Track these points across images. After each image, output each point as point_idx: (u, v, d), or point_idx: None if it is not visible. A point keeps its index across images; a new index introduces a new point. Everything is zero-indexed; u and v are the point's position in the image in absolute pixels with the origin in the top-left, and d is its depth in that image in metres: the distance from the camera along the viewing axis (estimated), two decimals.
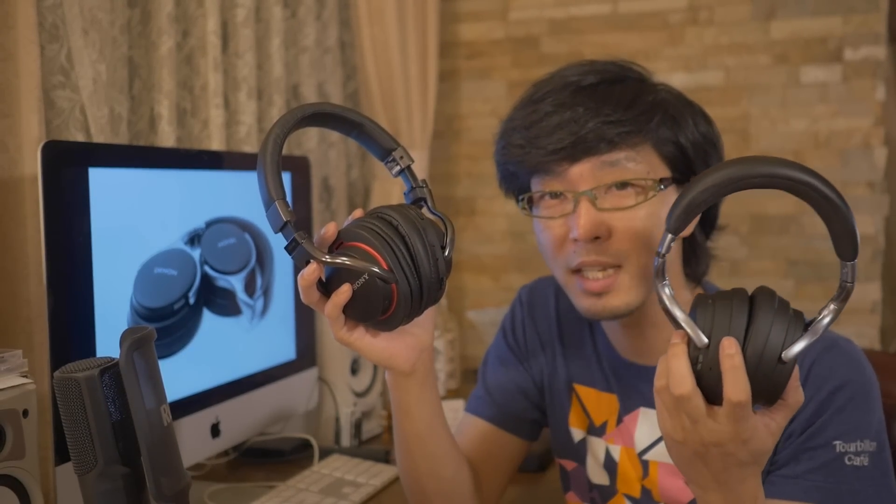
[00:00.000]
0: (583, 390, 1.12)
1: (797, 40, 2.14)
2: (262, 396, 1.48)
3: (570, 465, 1.15)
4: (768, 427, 0.76)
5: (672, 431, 0.78)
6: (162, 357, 1.23)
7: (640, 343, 1.05)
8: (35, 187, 1.07)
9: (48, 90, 1.29)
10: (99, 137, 1.34)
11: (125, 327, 0.74)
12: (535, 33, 2.37)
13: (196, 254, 1.31)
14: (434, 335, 0.94)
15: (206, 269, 1.33)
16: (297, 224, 0.79)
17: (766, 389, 0.75)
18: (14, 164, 1.23)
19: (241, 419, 1.42)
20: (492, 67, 2.42)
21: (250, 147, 1.76)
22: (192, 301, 1.30)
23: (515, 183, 1.05)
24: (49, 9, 1.28)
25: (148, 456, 0.72)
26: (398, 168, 0.88)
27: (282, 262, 1.51)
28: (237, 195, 1.40)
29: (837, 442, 0.91)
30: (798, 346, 0.73)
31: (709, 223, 1.07)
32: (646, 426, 1.05)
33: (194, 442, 1.31)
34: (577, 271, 0.98)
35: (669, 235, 0.78)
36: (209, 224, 1.34)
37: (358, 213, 0.85)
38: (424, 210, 0.86)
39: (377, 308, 0.80)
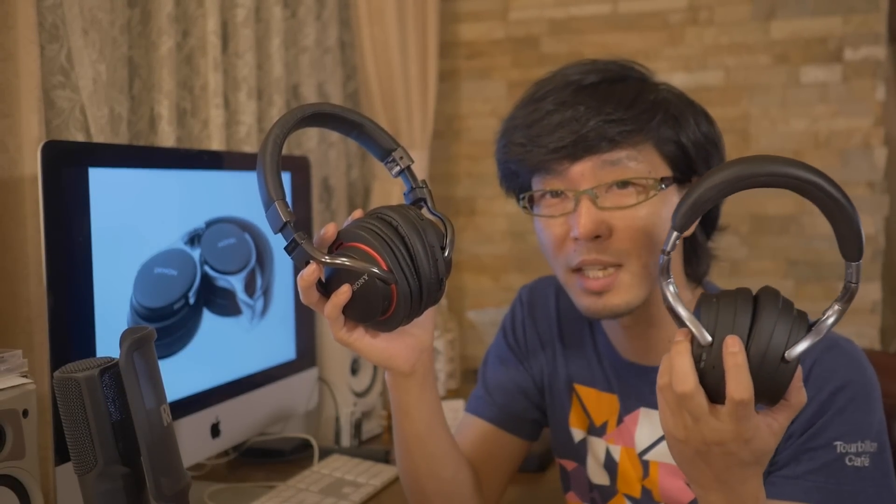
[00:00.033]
0: (583, 390, 1.12)
1: (797, 40, 2.14)
2: (262, 396, 1.48)
3: (570, 465, 1.15)
4: (770, 427, 0.76)
5: (674, 430, 0.78)
6: (162, 357, 1.23)
7: (641, 343, 1.05)
8: (35, 187, 1.07)
9: (48, 90, 1.29)
10: (99, 137, 1.34)
11: (125, 327, 0.74)
12: (535, 33, 2.37)
13: (196, 254, 1.31)
14: (434, 336, 0.94)
15: (206, 269, 1.33)
16: (297, 224, 0.79)
17: (768, 389, 0.74)
18: (14, 164, 1.23)
19: (241, 419, 1.42)
20: (492, 67, 2.42)
21: (250, 147, 1.76)
22: (192, 301, 1.30)
23: (516, 182, 1.05)
24: (49, 9, 1.28)
25: (148, 456, 0.72)
26: (398, 168, 0.88)
27: (282, 263, 1.51)
28: (237, 195, 1.40)
29: (838, 443, 0.91)
30: (801, 346, 0.73)
31: (710, 223, 1.07)
32: (646, 426, 1.05)
33: (194, 442, 1.31)
34: (578, 270, 0.98)
35: (675, 233, 0.79)
36: (209, 224, 1.34)
37: (357, 213, 0.85)
38: (424, 210, 0.86)
39: (377, 309, 0.80)
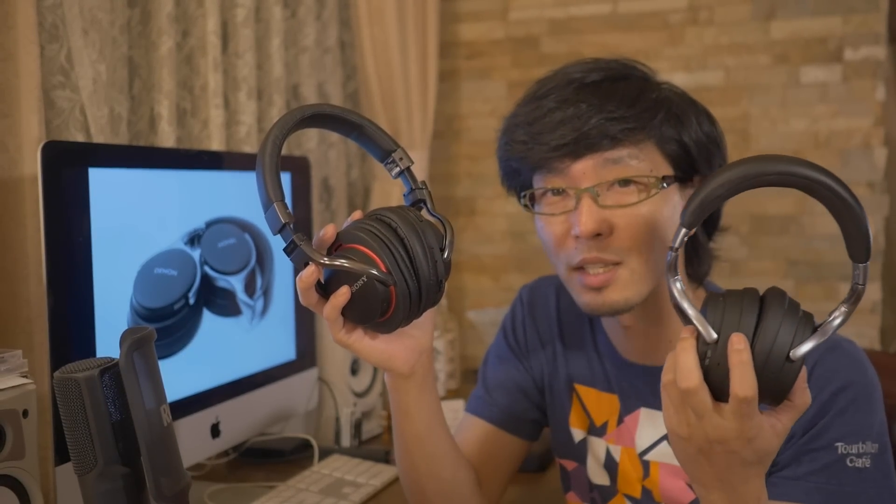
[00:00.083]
0: (583, 390, 1.12)
1: (797, 40, 2.14)
2: (262, 397, 1.48)
3: (570, 465, 1.15)
4: (774, 427, 0.76)
5: (677, 427, 0.78)
6: (162, 357, 1.23)
7: (642, 343, 1.05)
8: (35, 187, 1.07)
9: (48, 90, 1.29)
10: (99, 137, 1.34)
11: (125, 327, 0.74)
12: (535, 33, 2.37)
13: (196, 254, 1.31)
14: (433, 337, 0.94)
15: (206, 269, 1.33)
16: (297, 225, 0.79)
17: (772, 388, 0.74)
18: (14, 164, 1.23)
19: (241, 419, 1.42)
20: (492, 67, 2.42)
21: (250, 147, 1.76)
22: (192, 301, 1.30)
23: (517, 180, 1.04)
24: (49, 9, 1.28)
25: (148, 456, 0.72)
26: (398, 169, 0.88)
27: (282, 263, 1.51)
28: (237, 195, 1.40)
29: (839, 444, 0.91)
30: (807, 346, 0.73)
31: (712, 223, 1.07)
32: (647, 426, 1.05)
33: (194, 442, 1.31)
34: (579, 268, 0.98)
35: (683, 230, 0.79)
36: (209, 224, 1.34)
37: (357, 214, 0.85)
38: (424, 212, 0.86)
39: (375, 310, 0.80)
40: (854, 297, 0.76)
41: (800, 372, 0.75)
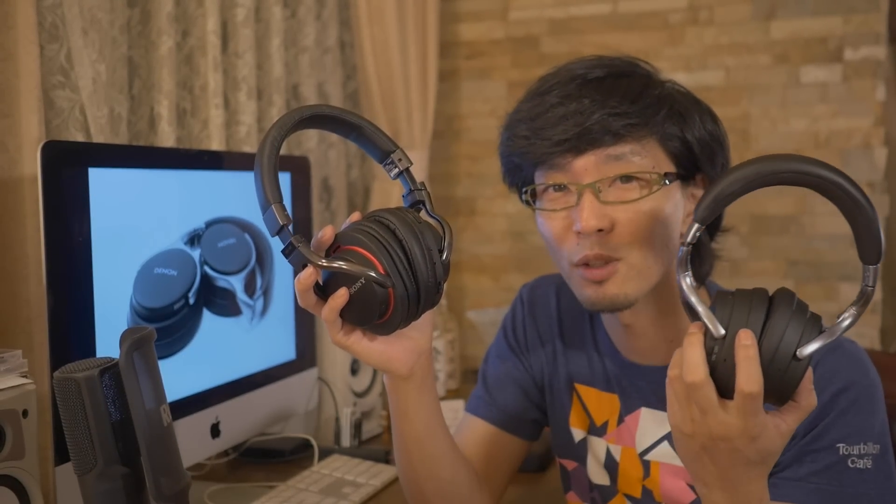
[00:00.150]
0: (584, 390, 1.12)
1: (797, 40, 2.14)
2: (261, 396, 1.48)
3: (570, 464, 1.15)
4: (778, 428, 0.76)
5: (681, 423, 0.78)
6: (162, 357, 1.23)
7: (642, 343, 1.05)
8: (35, 187, 1.07)
9: (48, 90, 1.29)
10: (99, 137, 1.34)
11: (125, 327, 0.74)
12: (535, 33, 2.37)
13: (196, 254, 1.31)
14: (432, 338, 0.94)
15: (206, 269, 1.33)
16: (296, 226, 0.79)
17: (778, 386, 0.74)
18: (14, 164, 1.23)
19: (241, 419, 1.42)
20: (492, 67, 2.42)
21: (250, 147, 1.76)
22: (191, 301, 1.30)
23: (519, 175, 1.04)
24: (49, 9, 1.28)
25: (147, 456, 0.72)
26: (397, 170, 0.88)
27: (281, 263, 1.51)
28: (237, 195, 1.40)
29: (841, 444, 0.91)
30: (814, 345, 0.73)
31: (714, 223, 1.07)
32: (647, 426, 1.05)
33: (194, 442, 1.31)
34: (580, 263, 0.98)
35: (696, 225, 0.79)
36: (209, 224, 1.34)
37: (355, 216, 0.85)
38: (423, 213, 0.86)
39: (374, 312, 0.80)
40: (864, 299, 0.76)
41: (806, 372, 0.75)
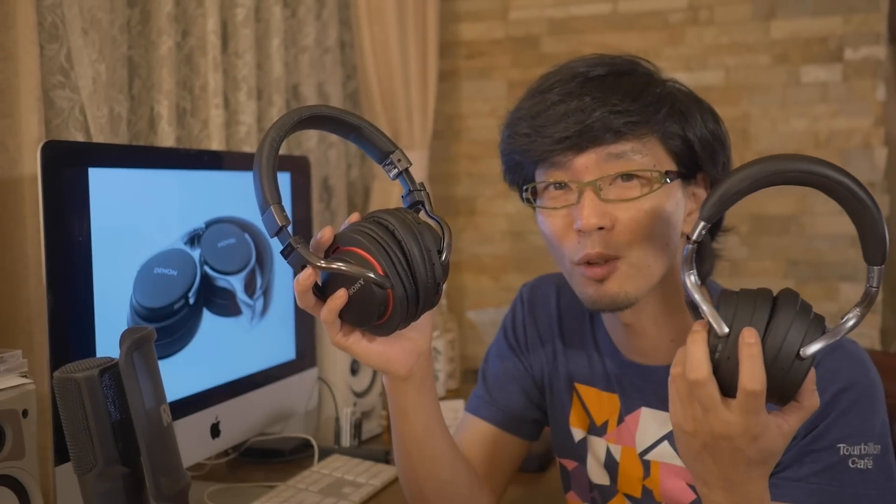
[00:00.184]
0: (584, 389, 1.12)
1: (797, 40, 2.14)
2: (261, 396, 1.48)
3: (570, 464, 1.15)
4: (780, 428, 0.76)
5: (683, 421, 0.78)
6: (162, 357, 1.23)
7: (642, 342, 1.05)
8: (35, 187, 1.07)
9: (48, 90, 1.29)
10: (98, 137, 1.34)
11: (125, 327, 0.74)
12: (535, 33, 2.37)
13: (196, 254, 1.31)
14: (432, 339, 0.94)
15: (206, 269, 1.33)
16: (296, 226, 0.79)
17: (780, 386, 0.74)
18: (14, 164, 1.23)
19: (241, 419, 1.42)
20: (492, 67, 2.42)
21: (250, 147, 1.76)
22: (191, 301, 1.30)
23: (520, 173, 1.04)
24: (48, 8, 1.28)
25: (147, 456, 0.72)
26: (396, 171, 0.88)
27: (281, 263, 1.50)
28: (237, 195, 1.40)
29: (841, 445, 0.90)
30: (817, 345, 0.73)
31: (715, 223, 1.07)
32: (647, 426, 1.05)
33: (194, 442, 1.31)
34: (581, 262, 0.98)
35: (702, 223, 0.79)
36: (209, 224, 1.34)
37: (354, 217, 0.85)
38: (422, 214, 0.86)
39: (373, 313, 0.80)
40: (868, 300, 0.76)
41: (809, 372, 0.75)
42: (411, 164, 0.88)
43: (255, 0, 1.82)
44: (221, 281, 1.37)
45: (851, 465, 0.90)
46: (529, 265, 2.38)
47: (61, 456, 1.05)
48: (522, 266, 2.40)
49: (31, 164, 1.21)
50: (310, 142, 2.05)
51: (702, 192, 1.01)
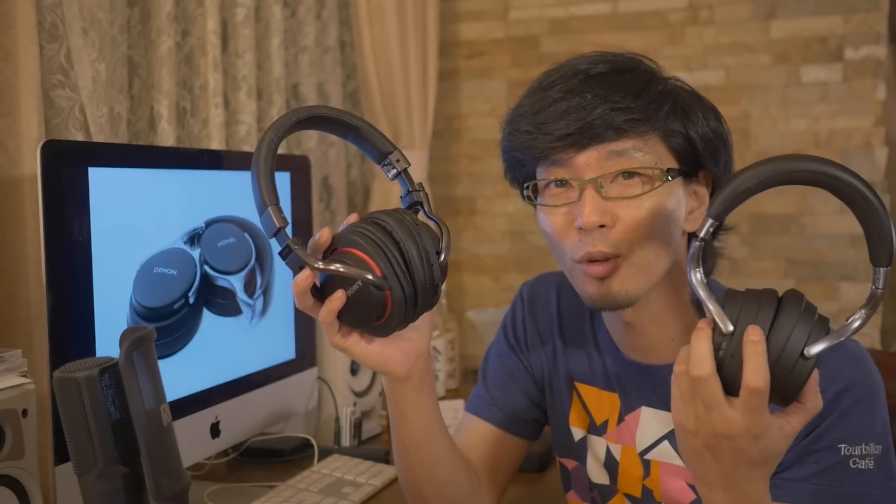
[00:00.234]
0: (584, 388, 1.12)
1: (797, 40, 2.14)
2: (261, 396, 1.48)
3: (570, 463, 1.15)
4: (782, 428, 0.76)
5: (685, 420, 0.78)
6: (162, 357, 1.23)
7: (643, 341, 1.05)
8: (34, 187, 1.07)
9: (47, 89, 1.29)
10: (98, 137, 1.34)
11: (125, 327, 0.74)
12: (536, 33, 2.37)
13: (196, 253, 1.31)
14: (431, 340, 0.94)
15: (206, 268, 1.33)
16: (296, 226, 0.79)
17: (784, 385, 0.74)
18: (13, 164, 1.22)
19: (240, 419, 1.42)
20: (492, 67, 2.42)
21: (250, 147, 1.76)
22: (191, 301, 1.30)
23: (521, 171, 1.03)
24: (48, 8, 1.28)
25: (147, 456, 0.72)
26: (395, 171, 0.88)
27: (281, 262, 1.50)
28: (237, 195, 1.40)
29: (842, 445, 0.90)
30: (822, 345, 0.73)
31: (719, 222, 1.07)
32: (648, 425, 1.05)
33: (194, 442, 1.31)
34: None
35: (710, 220, 0.79)
36: (209, 224, 1.34)
37: (353, 217, 0.85)
38: (420, 214, 0.86)
39: (371, 314, 0.80)
40: (873, 302, 0.76)
41: (812, 372, 0.74)
42: (409, 165, 0.88)
43: (255, 0, 1.82)
44: (221, 280, 1.37)
45: (852, 466, 0.90)
46: (529, 265, 2.38)
47: (61, 456, 1.05)
48: (522, 266, 2.40)
49: (31, 164, 1.21)
50: (310, 141, 2.05)
51: (703, 191, 1.00)
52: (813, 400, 0.76)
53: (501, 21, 2.40)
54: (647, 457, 1.05)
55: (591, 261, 0.95)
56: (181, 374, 1.28)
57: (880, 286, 0.76)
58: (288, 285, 1.52)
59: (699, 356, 0.75)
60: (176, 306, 1.27)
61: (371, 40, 2.16)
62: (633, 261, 0.95)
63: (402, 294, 0.79)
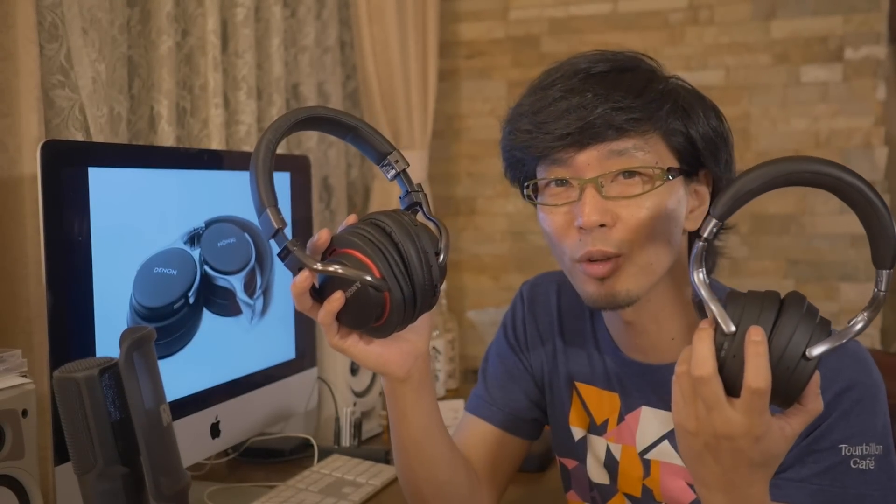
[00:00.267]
0: (584, 388, 1.12)
1: (797, 40, 2.14)
2: (261, 396, 1.48)
3: (570, 463, 1.15)
4: (783, 430, 0.76)
5: (685, 421, 0.78)
6: (162, 357, 1.23)
7: (643, 341, 1.04)
8: (34, 187, 1.07)
9: (47, 89, 1.29)
10: (98, 137, 1.34)
11: (125, 327, 0.74)
12: (535, 33, 2.37)
13: (196, 253, 1.31)
14: (430, 341, 0.94)
15: (206, 268, 1.33)
16: (296, 226, 0.79)
17: (785, 386, 0.74)
18: (13, 164, 1.22)
19: (240, 419, 1.42)
20: (492, 67, 2.42)
21: (250, 147, 1.76)
22: (191, 301, 1.30)
23: (521, 170, 1.03)
24: (48, 8, 1.28)
25: (147, 456, 0.72)
26: (393, 172, 0.88)
27: (281, 263, 1.51)
28: (237, 195, 1.40)
29: (843, 445, 0.90)
30: (823, 346, 0.73)
31: None
32: (648, 425, 1.05)
33: (194, 442, 1.31)
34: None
35: (714, 220, 0.78)
36: (209, 224, 1.34)
37: (352, 218, 0.85)
38: (419, 215, 0.86)
39: (370, 315, 0.80)
40: (875, 304, 0.76)
41: (814, 373, 0.74)
42: (408, 166, 0.88)
43: (255, 0, 1.82)
44: (221, 280, 1.36)
45: (853, 466, 0.90)
46: (529, 265, 2.38)
47: (61, 456, 1.05)
48: (522, 266, 2.40)
49: (31, 164, 1.21)
50: (310, 141, 2.05)
51: (704, 190, 1.00)
52: (814, 402, 0.76)
53: (501, 21, 2.40)
54: (647, 456, 1.05)
55: (591, 260, 0.95)
56: (181, 374, 1.28)
57: (882, 288, 0.76)
58: (288, 285, 1.52)
59: (701, 356, 0.75)
60: (176, 306, 1.27)
61: (371, 40, 2.16)
62: (635, 260, 0.94)
63: (400, 295, 0.79)
